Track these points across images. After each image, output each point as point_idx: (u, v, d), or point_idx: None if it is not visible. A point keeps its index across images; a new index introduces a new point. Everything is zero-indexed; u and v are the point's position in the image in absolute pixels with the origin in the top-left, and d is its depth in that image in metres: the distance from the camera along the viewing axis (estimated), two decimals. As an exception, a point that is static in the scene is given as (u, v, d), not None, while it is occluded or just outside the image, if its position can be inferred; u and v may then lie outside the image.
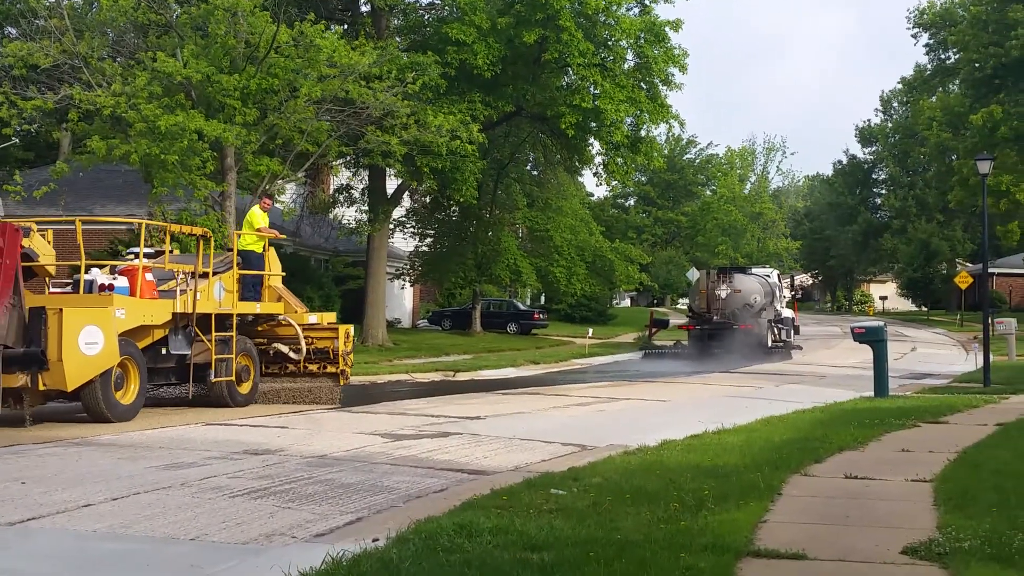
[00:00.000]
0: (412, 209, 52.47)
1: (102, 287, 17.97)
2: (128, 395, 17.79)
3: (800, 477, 11.65)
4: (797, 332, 48.01)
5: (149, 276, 18.64)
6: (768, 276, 46.89)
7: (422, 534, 8.40)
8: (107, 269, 18.89)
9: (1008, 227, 70.95)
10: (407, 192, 46.75)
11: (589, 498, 10.06)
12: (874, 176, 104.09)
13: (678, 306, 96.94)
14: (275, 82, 27.36)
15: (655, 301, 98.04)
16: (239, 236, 21.44)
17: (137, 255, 18.93)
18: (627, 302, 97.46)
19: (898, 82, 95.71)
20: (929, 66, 78.70)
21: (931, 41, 75.88)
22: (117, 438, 15.26)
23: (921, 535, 8.52)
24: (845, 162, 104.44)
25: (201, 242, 19.56)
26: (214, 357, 19.32)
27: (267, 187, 27.84)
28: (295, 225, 44.84)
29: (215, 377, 19.48)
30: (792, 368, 35.70)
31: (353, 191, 46.51)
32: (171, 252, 20.64)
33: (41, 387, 16.41)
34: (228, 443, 14.71)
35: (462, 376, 32.08)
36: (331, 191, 50.40)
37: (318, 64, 27.70)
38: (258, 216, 21.38)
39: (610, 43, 39.19)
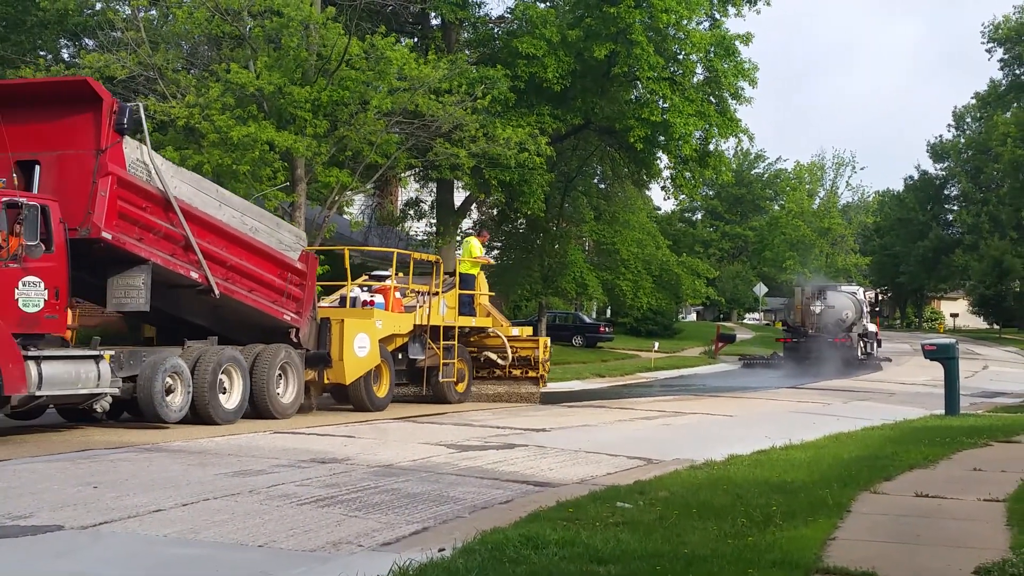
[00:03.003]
0: (480, 222, 52.55)
1: (364, 303, 22.36)
2: (382, 390, 22.25)
3: (869, 494, 11.53)
4: (879, 345, 51.17)
5: (398, 294, 23.12)
6: (856, 293, 50.71)
7: (488, 545, 8.41)
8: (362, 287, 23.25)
9: (1083, 244, 69.77)
10: (474, 204, 46.84)
11: (655, 512, 10.03)
12: (946, 192, 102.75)
13: (744, 321, 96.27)
14: (346, 94, 27.53)
15: (721, 316, 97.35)
16: (460, 262, 25.75)
17: (381, 278, 24.15)
18: (693, 316, 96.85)
19: (971, 97, 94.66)
20: (1004, 81, 77.79)
21: (1006, 56, 75.00)
22: (187, 444, 15.44)
23: (994, 555, 8.40)
24: (916, 178, 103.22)
25: (433, 267, 24.14)
26: (441, 362, 23.43)
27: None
28: (363, 236, 45.09)
29: (442, 378, 23.63)
30: (861, 385, 35.34)
31: (421, 203, 46.68)
32: (397, 275, 24.18)
33: (326, 381, 21.23)
34: (295, 451, 14.84)
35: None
36: (399, 203, 50.61)
37: (388, 77, 27.84)
38: (476, 246, 25.81)
39: (680, 57, 39.02)
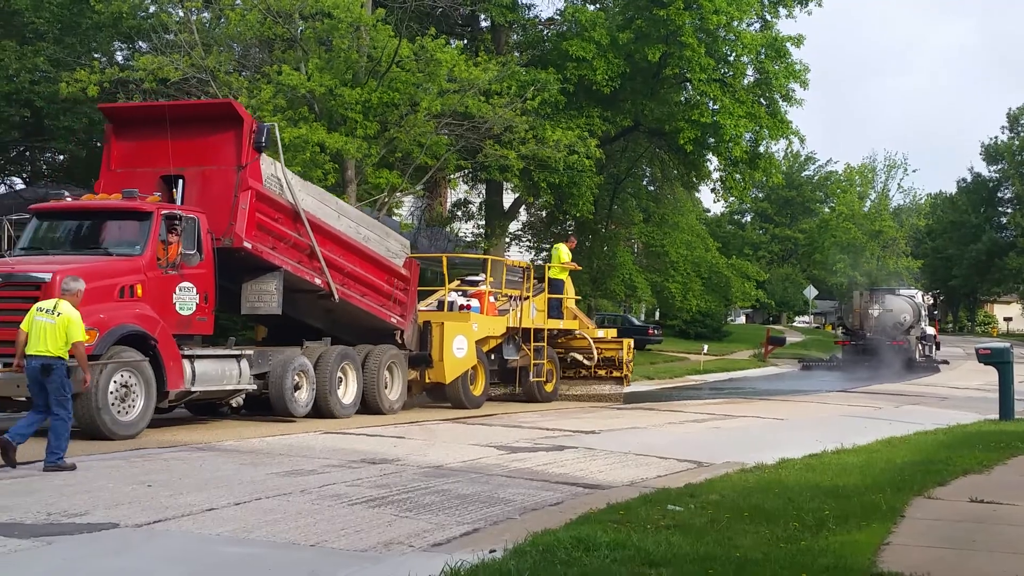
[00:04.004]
0: (528, 223, 52.56)
1: (462, 307, 23.68)
2: (477, 389, 23.58)
3: (923, 499, 11.42)
4: (938, 348, 51.69)
5: (492, 299, 24.32)
6: (914, 297, 51.46)
7: (539, 546, 8.41)
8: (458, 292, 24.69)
9: None
10: (523, 206, 46.85)
11: (707, 515, 9.99)
12: (999, 195, 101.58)
13: (794, 324, 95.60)
14: (396, 96, 27.63)
15: (771, 318, 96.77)
16: (549, 268, 26.65)
17: (474, 283, 25.27)
18: (742, 319, 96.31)
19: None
20: (1059, 82, 76.79)
21: (1061, 57, 74.04)
22: (239, 444, 15.55)
23: (1051, 562, 8.30)
24: (969, 180, 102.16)
25: (524, 272, 25.52)
26: (532, 362, 24.73)
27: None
28: (412, 237, 45.15)
29: (532, 378, 24.88)
30: (912, 389, 35.02)
31: (470, 205, 46.75)
32: (485, 278, 25.47)
33: (427, 380, 22.67)
34: (346, 452, 14.90)
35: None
36: (448, 204, 50.70)
37: (438, 79, 27.92)
38: (564, 252, 26.80)
39: (731, 58, 38.84)
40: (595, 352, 26.65)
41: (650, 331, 56.45)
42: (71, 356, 12.72)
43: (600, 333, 27.79)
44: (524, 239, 52.31)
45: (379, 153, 27.77)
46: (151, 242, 16.75)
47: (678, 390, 34.54)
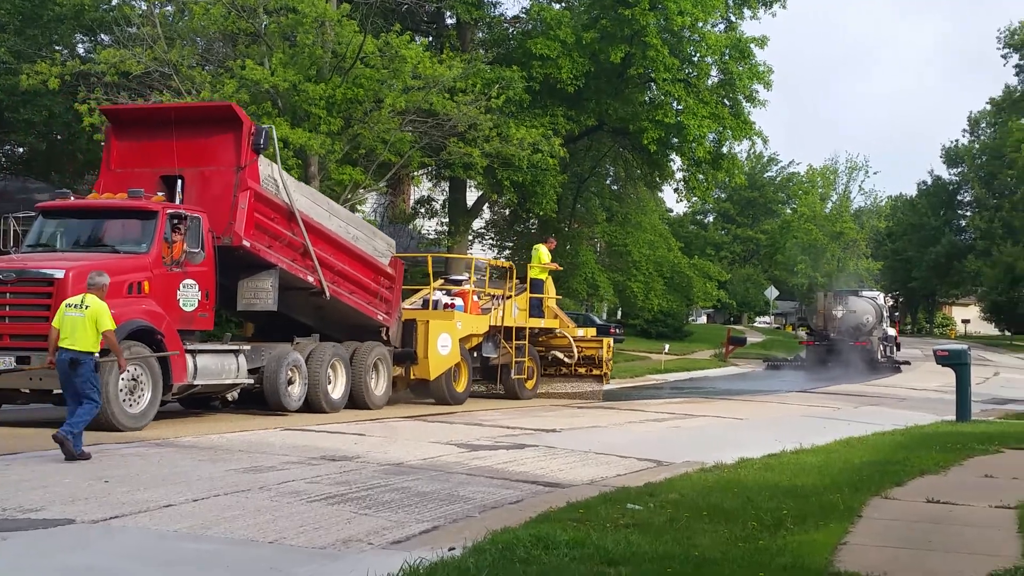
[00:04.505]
0: (491, 221, 52.57)
1: (446, 305, 24.37)
2: (461, 385, 24.12)
3: (880, 500, 11.51)
4: (898, 348, 52.52)
5: (475, 298, 24.91)
6: (876, 298, 52.82)
7: (499, 544, 8.40)
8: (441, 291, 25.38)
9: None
10: (487, 204, 46.85)
11: (666, 514, 10.02)
12: (959, 198, 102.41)
13: (755, 324, 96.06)
14: (360, 92, 27.56)
15: (732, 319, 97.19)
16: (530, 267, 26.94)
17: (457, 282, 26.37)
18: (703, 319, 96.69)
19: (987, 102, 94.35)
20: (1019, 87, 77.57)
21: (1022, 62, 74.74)
22: (197, 440, 15.47)
23: (1006, 562, 8.38)
24: (930, 183, 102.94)
25: (507, 272, 26.00)
26: (514, 360, 25.30)
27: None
28: (374, 235, 45.12)
29: (513, 375, 25.44)
30: (872, 390, 35.26)
31: (434, 202, 46.71)
32: (468, 278, 26.42)
33: (412, 377, 23.12)
34: (306, 448, 14.85)
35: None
36: (411, 202, 50.64)
37: (403, 75, 27.85)
38: (544, 253, 27.40)
39: (695, 59, 38.99)
40: (576, 350, 27.26)
41: (612, 330, 56.33)
42: (101, 348, 13.25)
43: (580, 332, 28.47)
44: (487, 237, 52.33)
45: (343, 149, 27.69)
46: (157, 240, 17.26)
47: (639, 389, 34.61)
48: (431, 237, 45.62)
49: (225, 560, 8.44)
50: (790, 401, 29.15)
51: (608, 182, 53.38)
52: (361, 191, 31.48)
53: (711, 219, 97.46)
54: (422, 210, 47.21)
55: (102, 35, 33.46)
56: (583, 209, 49.60)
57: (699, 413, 23.75)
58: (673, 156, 42.64)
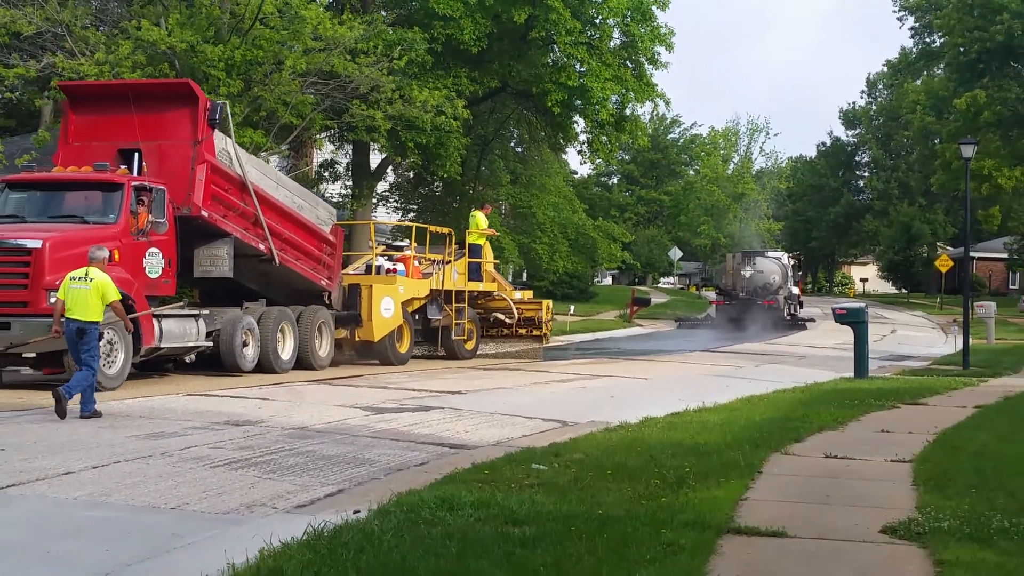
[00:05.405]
0: (395, 184, 52.32)
1: (388, 270, 25.23)
2: (403, 346, 25.23)
3: (780, 456, 11.70)
4: (802, 307, 53.95)
5: (416, 263, 25.86)
6: (781, 258, 54.18)
7: (404, 506, 8.41)
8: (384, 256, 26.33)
9: (989, 212, 71.24)
10: (391, 167, 46.61)
11: (570, 474, 10.08)
12: (857, 159, 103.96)
13: (659, 285, 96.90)
14: (260, 54, 27.19)
15: (636, 280, 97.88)
16: (468, 233, 27.96)
17: (399, 248, 27.77)
18: (608, 280, 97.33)
19: (883, 65, 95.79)
20: (914, 49, 78.85)
21: (916, 24, 75.97)
22: (98, 407, 15.20)
23: (900, 515, 8.57)
24: (829, 144, 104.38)
25: (446, 238, 26.95)
26: (454, 322, 26.54)
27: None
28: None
29: (454, 336, 26.74)
30: (772, 348, 35.82)
31: (337, 165, 46.35)
32: (409, 243, 27.39)
33: (356, 339, 24.08)
34: (209, 413, 14.71)
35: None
36: (315, 165, 50.22)
37: (303, 37, 27.54)
38: (482, 219, 28.65)
39: (597, 21, 39.10)
40: (515, 311, 28.73)
41: (517, 292, 56.74)
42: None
43: (517, 295, 29.74)
44: (391, 200, 52.07)
45: (243, 112, 27.31)
46: (124, 211, 18.16)
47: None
48: (335, 201, 45.23)
49: (126, 527, 8.33)
50: (694, 361, 29.50)
51: (512, 144, 53.41)
52: (263, 154, 31.10)
53: (615, 181, 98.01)
54: (326, 174, 46.80)
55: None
56: (487, 171, 49.57)
57: (604, 373, 23.94)
58: (577, 118, 42.79)
